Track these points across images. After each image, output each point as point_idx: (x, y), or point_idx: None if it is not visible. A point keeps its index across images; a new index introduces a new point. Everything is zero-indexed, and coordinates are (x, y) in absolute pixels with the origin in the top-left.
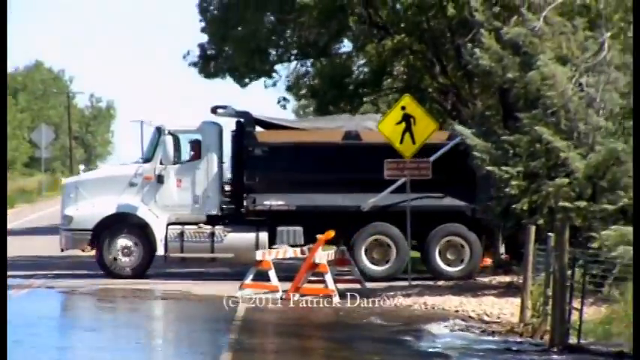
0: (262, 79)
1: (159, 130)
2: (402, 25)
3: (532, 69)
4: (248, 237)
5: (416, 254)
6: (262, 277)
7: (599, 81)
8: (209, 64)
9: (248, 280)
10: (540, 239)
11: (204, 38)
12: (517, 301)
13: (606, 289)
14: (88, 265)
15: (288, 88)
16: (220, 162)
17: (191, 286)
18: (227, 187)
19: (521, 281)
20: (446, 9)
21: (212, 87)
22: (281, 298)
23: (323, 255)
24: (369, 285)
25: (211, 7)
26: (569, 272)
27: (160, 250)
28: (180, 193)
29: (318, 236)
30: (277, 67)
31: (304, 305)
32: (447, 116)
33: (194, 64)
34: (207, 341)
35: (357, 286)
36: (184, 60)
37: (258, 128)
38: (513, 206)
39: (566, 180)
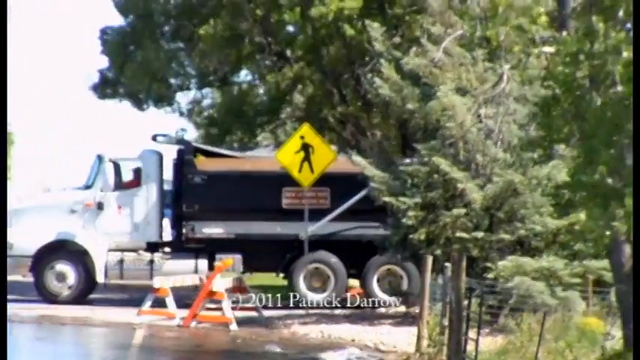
0: (162, 106)
1: (99, 158)
2: (301, 53)
3: (432, 100)
4: (187, 264)
5: None
6: (160, 304)
7: (497, 112)
8: (108, 89)
9: (146, 307)
10: (437, 269)
11: (104, 60)
12: (413, 330)
13: (502, 319)
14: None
15: (188, 115)
16: (160, 189)
17: (109, 311)
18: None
19: (417, 311)
20: (342, 30)
21: (112, 110)
22: (178, 325)
23: (221, 283)
24: (274, 313)
25: (110, 38)
26: (465, 302)
27: (100, 277)
28: (120, 220)
29: (216, 264)
30: (177, 94)
31: (201, 332)
32: (346, 146)
33: (93, 89)
34: None
35: (255, 314)
36: (83, 83)
37: (200, 156)
38: (411, 236)
39: (464, 211)
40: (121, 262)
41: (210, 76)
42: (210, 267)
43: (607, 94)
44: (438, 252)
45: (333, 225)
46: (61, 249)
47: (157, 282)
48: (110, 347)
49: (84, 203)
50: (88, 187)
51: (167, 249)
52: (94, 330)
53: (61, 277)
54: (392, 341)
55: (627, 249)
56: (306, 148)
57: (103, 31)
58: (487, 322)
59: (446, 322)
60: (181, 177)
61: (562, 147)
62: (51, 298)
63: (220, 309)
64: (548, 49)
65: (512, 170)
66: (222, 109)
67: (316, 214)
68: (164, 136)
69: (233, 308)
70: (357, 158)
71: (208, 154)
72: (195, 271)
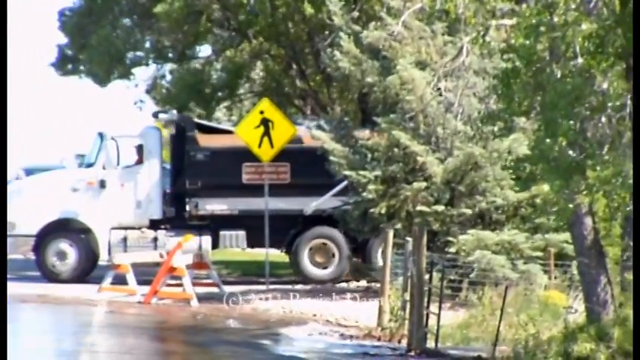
0: (120, 79)
1: (101, 136)
2: (259, 28)
3: (391, 73)
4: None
5: (278, 258)
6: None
7: (457, 86)
8: (68, 65)
9: (106, 284)
10: (399, 243)
11: (61, 37)
12: (375, 305)
13: (463, 293)
14: None
15: (147, 91)
16: (162, 166)
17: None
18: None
19: (379, 285)
20: (302, 8)
21: (70, 87)
22: (139, 302)
23: (181, 259)
24: (235, 288)
25: (69, 19)
26: (426, 276)
27: (104, 255)
28: (123, 197)
29: (179, 240)
30: (136, 70)
31: (162, 309)
32: (307, 121)
33: (53, 65)
34: (62, 345)
35: (216, 289)
36: (40, 61)
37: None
38: (371, 210)
39: (424, 184)
40: (125, 239)
41: (167, 51)
42: (214, 244)
43: (567, 66)
44: (399, 226)
45: (336, 200)
46: (64, 228)
47: (117, 258)
48: (73, 324)
49: (86, 181)
50: (90, 165)
51: (168, 226)
52: (57, 307)
53: (63, 255)
54: (354, 316)
55: (589, 221)
56: (265, 123)
57: (62, 13)
58: (449, 296)
59: (407, 297)
60: (183, 153)
61: (523, 119)
62: (53, 277)
63: (181, 285)
64: (508, 21)
65: (473, 143)
66: (178, 85)
67: (319, 189)
68: (165, 112)
69: (194, 284)
70: (317, 132)
71: (209, 130)
72: (200, 249)
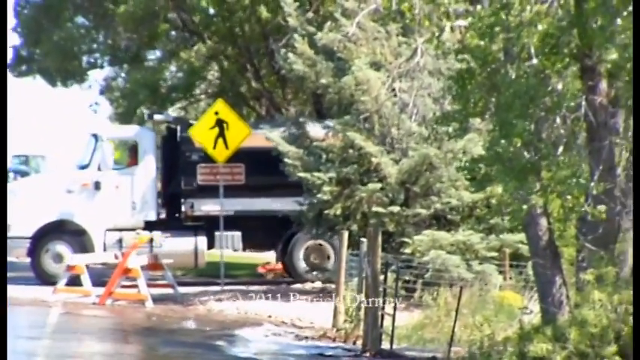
0: (75, 82)
1: (96, 137)
2: (215, 29)
3: (346, 74)
4: (187, 242)
5: (233, 259)
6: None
7: (412, 86)
8: (22, 66)
9: (61, 285)
10: (353, 244)
11: (17, 38)
12: (330, 306)
13: (418, 294)
14: None
15: (101, 93)
16: (156, 168)
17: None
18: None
19: (334, 286)
20: (258, 12)
21: (23, 90)
22: (94, 303)
23: (136, 260)
24: (190, 290)
25: (25, 10)
26: (381, 277)
27: None
28: (118, 199)
29: (133, 241)
30: (91, 71)
31: (117, 310)
32: (261, 121)
33: (8, 67)
34: (15, 348)
35: (171, 290)
36: None
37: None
38: (326, 212)
39: (379, 185)
40: (120, 241)
41: (122, 53)
42: (210, 245)
43: (522, 67)
44: (354, 227)
45: None
46: (59, 229)
47: (72, 259)
48: (26, 326)
49: (81, 183)
50: (84, 166)
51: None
52: (11, 309)
53: (59, 257)
54: (309, 317)
55: (544, 222)
56: (220, 124)
57: (18, 4)
58: (404, 296)
59: (362, 298)
60: (178, 154)
61: (477, 120)
62: (49, 280)
63: (136, 286)
64: (463, 22)
65: (428, 144)
66: (134, 85)
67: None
68: (160, 113)
69: (149, 285)
70: (272, 134)
71: None
72: (195, 250)
